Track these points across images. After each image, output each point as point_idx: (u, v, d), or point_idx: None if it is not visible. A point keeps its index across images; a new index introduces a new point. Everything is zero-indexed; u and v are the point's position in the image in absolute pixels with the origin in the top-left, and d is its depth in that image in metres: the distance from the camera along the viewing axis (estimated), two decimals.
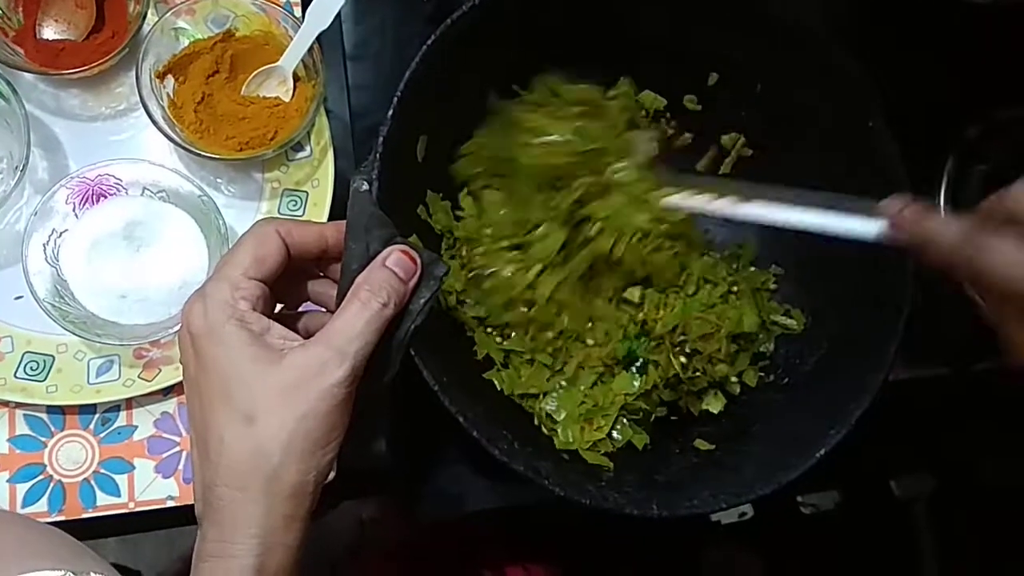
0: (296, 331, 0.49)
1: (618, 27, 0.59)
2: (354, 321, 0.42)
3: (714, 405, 0.58)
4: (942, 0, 0.74)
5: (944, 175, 0.75)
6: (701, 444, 0.56)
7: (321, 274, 0.50)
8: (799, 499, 0.66)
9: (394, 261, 0.45)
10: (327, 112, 0.66)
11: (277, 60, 0.64)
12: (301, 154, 0.66)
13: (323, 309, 0.50)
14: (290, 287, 0.48)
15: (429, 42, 0.51)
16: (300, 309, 0.50)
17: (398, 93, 0.50)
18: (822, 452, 0.51)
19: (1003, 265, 0.39)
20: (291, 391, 0.41)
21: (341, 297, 0.46)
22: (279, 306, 0.49)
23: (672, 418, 0.58)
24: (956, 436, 0.72)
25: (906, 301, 0.54)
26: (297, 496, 0.41)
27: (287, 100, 0.64)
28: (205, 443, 0.41)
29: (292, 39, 0.63)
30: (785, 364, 0.59)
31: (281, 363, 0.41)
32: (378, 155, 0.49)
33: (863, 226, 0.47)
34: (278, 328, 0.44)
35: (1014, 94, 0.76)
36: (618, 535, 0.63)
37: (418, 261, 0.47)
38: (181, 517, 0.59)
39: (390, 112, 0.49)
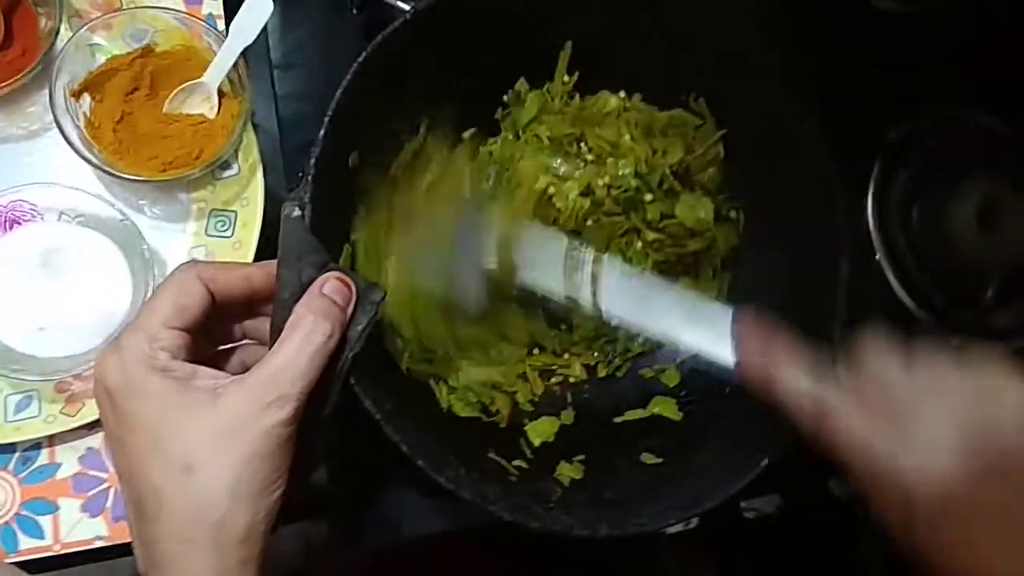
0: (230, 366, 0.47)
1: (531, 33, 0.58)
2: (296, 356, 0.40)
3: (669, 411, 0.58)
4: (864, 6, 0.77)
5: (871, 180, 0.77)
6: (648, 458, 0.55)
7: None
8: (742, 504, 0.67)
9: (331, 288, 0.44)
10: (255, 127, 0.64)
11: (200, 76, 0.61)
12: (229, 172, 0.63)
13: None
14: (219, 328, 0.46)
15: (361, 59, 0.49)
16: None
17: (329, 113, 0.48)
18: (765, 461, 0.51)
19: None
20: (230, 434, 0.39)
21: (275, 328, 0.45)
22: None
23: (615, 421, 0.58)
24: None
25: (839, 310, 0.55)
26: (249, 540, 0.39)
27: (212, 117, 0.61)
28: (139, 500, 0.39)
29: (216, 53, 0.61)
30: (727, 373, 0.59)
31: (216, 405, 0.39)
32: (310, 178, 0.47)
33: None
34: (205, 370, 0.42)
35: (932, 98, 0.79)
36: (568, 550, 0.63)
37: (353, 287, 0.46)
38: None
39: (321, 132, 0.47)
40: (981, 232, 0.72)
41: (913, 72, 0.78)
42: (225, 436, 0.39)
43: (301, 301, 0.43)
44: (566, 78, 0.60)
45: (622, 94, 0.61)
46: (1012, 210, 0.73)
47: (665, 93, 0.61)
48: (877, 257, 0.74)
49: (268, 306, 0.48)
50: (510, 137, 0.61)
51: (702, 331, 0.47)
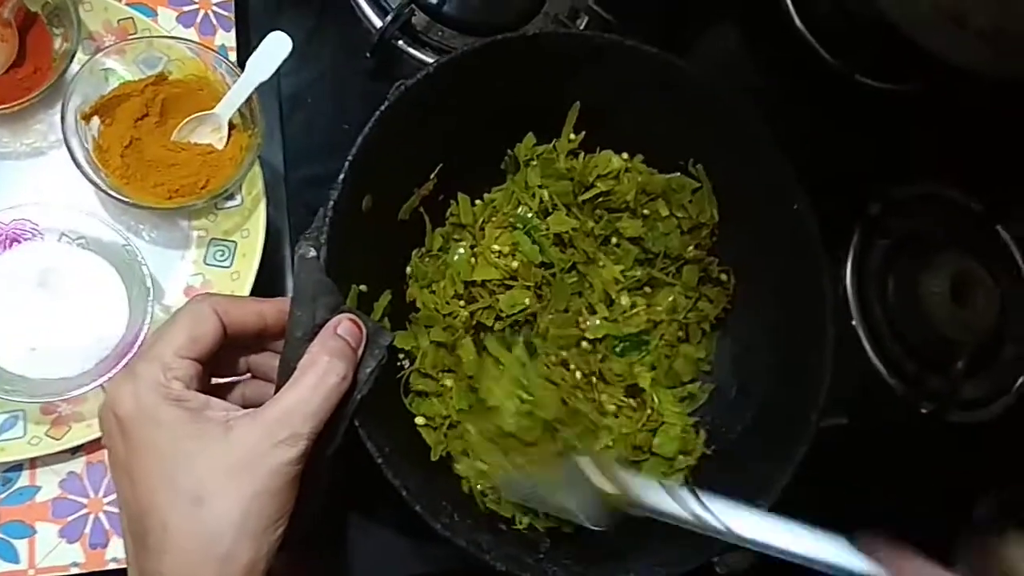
0: (231, 399, 0.48)
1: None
2: (310, 396, 0.41)
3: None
4: (848, 83, 0.80)
5: (850, 248, 0.79)
6: (635, 512, 0.56)
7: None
8: (714, 560, 0.68)
9: (344, 330, 0.45)
10: (259, 160, 0.64)
11: (211, 106, 0.62)
12: (231, 203, 0.64)
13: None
14: (225, 360, 0.46)
15: (384, 107, 0.50)
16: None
17: (350, 157, 0.49)
18: None
19: None
20: (241, 469, 0.39)
21: (285, 365, 0.45)
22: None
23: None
24: (857, 495, 0.76)
25: (825, 374, 0.57)
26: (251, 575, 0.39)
27: (220, 148, 0.62)
28: (142, 530, 0.39)
29: (228, 84, 0.61)
30: (712, 432, 0.60)
31: (227, 438, 0.40)
32: (327, 220, 0.48)
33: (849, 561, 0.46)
34: (217, 402, 0.42)
35: (911, 173, 0.82)
36: None
37: (363, 329, 0.46)
38: None
39: (341, 176, 0.48)
40: (954, 305, 0.75)
41: (895, 147, 0.82)
42: (236, 470, 0.39)
43: (316, 340, 0.44)
44: (572, 136, 0.62)
45: (625, 155, 0.63)
46: (983, 285, 0.76)
47: (666, 157, 0.63)
48: (853, 323, 0.77)
49: (276, 342, 0.48)
50: (513, 189, 0.62)
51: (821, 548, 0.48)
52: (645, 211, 0.63)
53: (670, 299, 0.62)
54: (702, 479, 0.58)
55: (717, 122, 0.61)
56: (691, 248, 0.62)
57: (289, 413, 0.40)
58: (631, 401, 0.60)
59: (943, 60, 0.67)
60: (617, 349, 0.61)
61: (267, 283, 0.63)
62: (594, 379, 0.60)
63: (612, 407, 0.59)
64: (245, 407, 0.43)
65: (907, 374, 0.75)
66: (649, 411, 0.60)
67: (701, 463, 0.59)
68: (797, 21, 0.80)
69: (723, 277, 0.63)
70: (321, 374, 0.42)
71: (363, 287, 0.52)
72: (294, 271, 0.47)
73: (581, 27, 0.73)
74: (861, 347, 0.76)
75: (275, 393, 0.44)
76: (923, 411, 0.74)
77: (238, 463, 0.39)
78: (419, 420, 0.55)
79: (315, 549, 0.59)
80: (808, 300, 0.58)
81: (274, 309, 0.46)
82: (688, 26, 0.82)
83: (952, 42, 0.68)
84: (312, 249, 0.47)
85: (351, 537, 0.62)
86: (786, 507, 0.54)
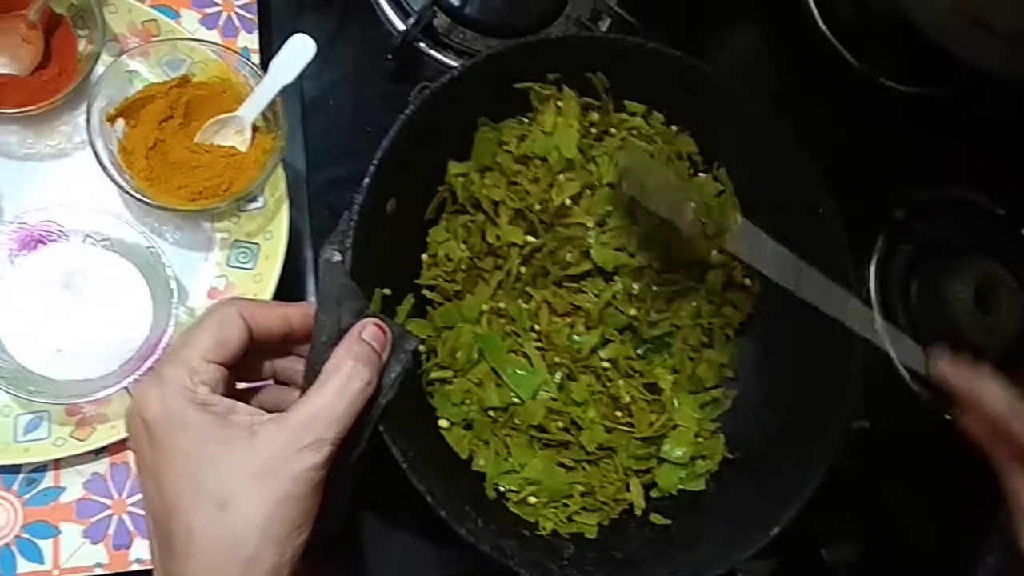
0: (255, 404, 0.48)
1: None
2: (335, 401, 0.41)
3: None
4: (873, 87, 0.80)
5: (874, 252, 0.79)
6: (656, 519, 0.56)
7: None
8: (736, 567, 0.67)
9: (370, 335, 0.44)
10: (281, 162, 0.64)
11: (235, 108, 0.62)
12: (254, 205, 0.64)
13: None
14: (250, 365, 0.46)
15: (409, 111, 0.50)
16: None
17: (376, 161, 0.49)
18: (776, 530, 0.52)
19: None
20: (266, 473, 0.39)
21: (310, 370, 0.45)
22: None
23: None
24: (879, 501, 0.75)
25: (852, 382, 0.56)
26: None
27: (244, 150, 0.62)
28: (168, 533, 0.39)
29: (251, 87, 0.61)
30: (736, 439, 0.60)
31: (252, 443, 0.40)
32: (352, 223, 0.48)
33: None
34: (242, 406, 0.42)
35: (935, 177, 0.81)
36: None
37: (388, 334, 0.46)
38: None
39: (366, 180, 0.48)
40: (978, 310, 0.74)
41: (919, 151, 0.81)
42: (261, 474, 0.39)
43: (341, 345, 0.44)
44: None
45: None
46: (1008, 290, 0.76)
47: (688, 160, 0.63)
48: (876, 327, 0.76)
49: (301, 346, 0.48)
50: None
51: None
52: None
53: (693, 304, 0.61)
54: (725, 484, 0.58)
55: (740, 125, 0.61)
56: (715, 252, 0.62)
57: (314, 418, 0.40)
58: (647, 394, 0.60)
59: (968, 64, 0.67)
60: (639, 351, 0.61)
61: (289, 285, 0.63)
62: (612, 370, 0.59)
63: (627, 398, 0.59)
64: (268, 411, 0.43)
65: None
66: (665, 414, 0.59)
67: (723, 468, 0.59)
68: (821, 24, 0.80)
69: (747, 282, 0.63)
70: (346, 379, 0.42)
71: (387, 291, 0.52)
72: (318, 275, 0.47)
73: (603, 29, 0.72)
74: (884, 352, 0.75)
75: (300, 397, 0.44)
76: (947, 417, 0.73)
77: (263, 468, 0.39)
78: (443, 423, 0.55)
79: (336, 553, 0.59)
80: None
81: (299, 313, 0.46)
82: (710, 29, 0.81)
83: (978, 46, 0.67)
84: (337, 253, 0.47)
85: (371, 540, 0.62)
86: (807, 508, 0.54)
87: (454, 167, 0.57)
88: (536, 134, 0.58)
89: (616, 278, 0.60)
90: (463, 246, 0.57)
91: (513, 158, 0.58)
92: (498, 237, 0.57)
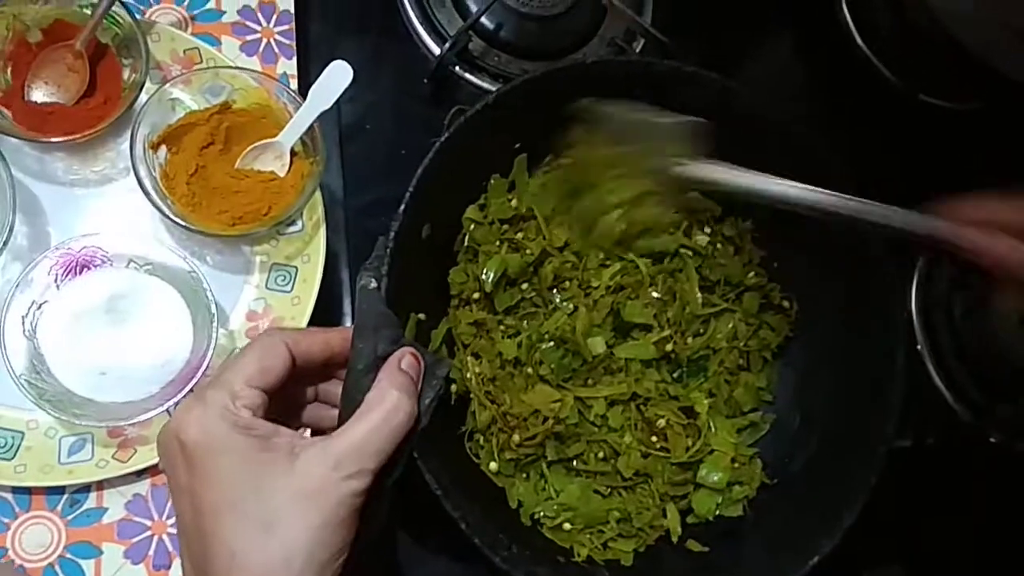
0: (293, 425, 0.48)
1: None
2: (379, 431, 0.41)
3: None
4: (911, 102, 0.78)
5: (915, 270, 0.77)
6: (693, 545, 0.56)
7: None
8: None
9: (407, 364, 0.45)
10: (319, 186, 0.65)
11: (274, 133, 0.63)
12: (293, 228, 0.64)
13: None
14: (292, 394, 0.47)
15: (444, 137, 0.51)
16: None
17: (411, 188, 0.49)
18: (815, 559, 0.51)
19: None
20: (310, 497, 0.39)
21: (348, 397, 0.45)
22: None
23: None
24: (921, 523, 0.73)
25: (895, 404, 0.55)
26: None
27: (282, 175, 0.63)
28: (207, 556, 0.39)
29: (290, 113, 0.62)
30: (774, 464, 0.59)
31: (294, 467, 0.40)
32: (388, 250, 0.48)
33: (915, 222, 0.48)
34: (284, 430, 0.42)
35: (976, 193, 0.80)
36: None
37: (422, 362, 0.46)
38: None
39: (402, 207, 0.49)
40: (1023, 330, 0.73)
41: (959, 166, 0.79)
42: (304, 499, 0.39)
43: (383, 375, 0.44)
44: None
45: None
46: None
47: None
48: (919, 347, 0.75)
49: (342, 370, 0.48)
50: None
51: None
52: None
53: (730, 326, 0.61)
54: (763, 510, 0.57)
55: (778, 146, 0.60)
56: (751, 275, 0.61)
57: (358, 448, 0.41)
58: (683, 417, 0.59)
59: (1009, 78, 0.66)
60: (675, 375, 0.60)
61: (325, 307, 0.63)
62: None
63: (663, 422, 0.58)
64: (307, 427, 0.44)
65: (974, 401, 0.73)
66: (702, 438, 0.59)
67: (761, 494, 0.58)
68: (858, 39, 0.79)
69: (785, 304, 0.62)
70: (390, 409, 0.42)
71: (421, 315, 0.53)
72: (355, 302, 0.47)
73: (638, 50, 0.72)
74: (926, 372, 0.74)
75: (339, 423, 0.44)
76: (992, 440, 0.72)
77: (305, 492, 0.39)
78: (489, 467, 0.56)
79: None
80: (875, 326, 0.57)
81: (340, 337, 0.47)
82: (745, 46, 0.81)
83: (1018, 61, 0.66)
84: (373, 280, 0.47)
85: (404, 565, 0.62)
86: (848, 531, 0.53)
87: (471, 211, 0.58)
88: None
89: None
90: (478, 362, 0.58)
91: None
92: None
